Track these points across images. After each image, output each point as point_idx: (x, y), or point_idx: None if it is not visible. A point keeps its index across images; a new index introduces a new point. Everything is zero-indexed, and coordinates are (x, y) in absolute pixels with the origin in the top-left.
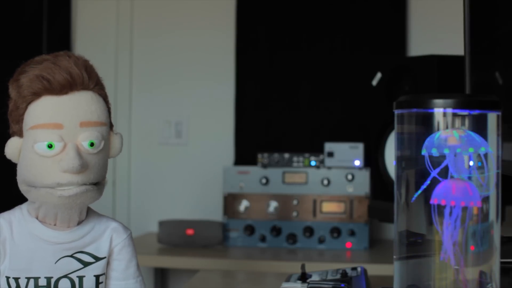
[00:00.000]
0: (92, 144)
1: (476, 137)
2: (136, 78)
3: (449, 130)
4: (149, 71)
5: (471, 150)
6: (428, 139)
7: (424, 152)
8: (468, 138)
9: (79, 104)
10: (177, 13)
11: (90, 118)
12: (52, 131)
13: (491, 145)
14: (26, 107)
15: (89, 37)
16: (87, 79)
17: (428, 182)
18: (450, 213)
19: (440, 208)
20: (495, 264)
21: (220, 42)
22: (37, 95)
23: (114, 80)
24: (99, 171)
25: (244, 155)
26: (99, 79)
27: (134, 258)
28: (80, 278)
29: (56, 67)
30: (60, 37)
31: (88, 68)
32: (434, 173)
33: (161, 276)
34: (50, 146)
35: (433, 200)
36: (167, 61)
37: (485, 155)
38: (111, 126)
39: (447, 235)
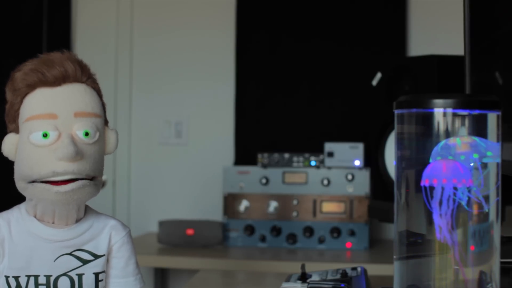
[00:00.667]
0: (87, 134)
1: (482, 143)
2: (136, 78)
3: (453, 138)
4: (149, 71)
5: (475, 156)
6: (435, 148)
7: (431, 161)
8: (473, 144)
9: (73, 95)
10: (177, 13)
11: (84, 108)
12: (47, 121)
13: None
14: (21, 101)
15: (89, 37)
16: (80, 72)
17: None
18: (442, 193)
19: (432, 190)
20: (495, 264)
21: (220, 42)
22: (31, 87)
23: (114, 80)
24: (94, 163)
25: (244, 155)
26: (91, 74)
27: (133, 255)
28: (80, 276)
29: (49, 61)
30: (60, 37)
31: (80, 63)
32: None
33: (161, 276)
34: (45, 136)
35: (424, 181)
36: (167, 61)
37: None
38: (106, 122)
39: (439, 214)
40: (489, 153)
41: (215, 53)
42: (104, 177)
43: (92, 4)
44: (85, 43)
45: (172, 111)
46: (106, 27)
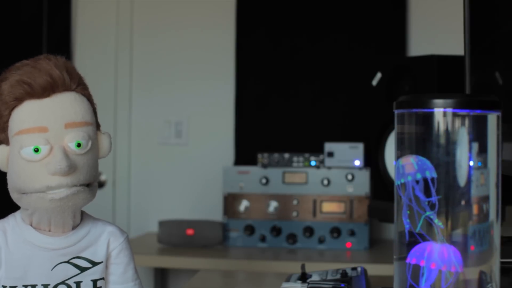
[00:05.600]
0: (79, 145)
1: (424, 162)
2: (136, 78)
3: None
4: (149, 71)
5: (418, 175)
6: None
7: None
8: (419, 164)
9: (63, 106)
10: (177, 13)
11: (75, 118)
12: (38, 135)
13: (491, 145)
14: (9, 114)
15: (89, 37)
16: (68, 80)
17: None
18: (423, 275)
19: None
20: (495, 264)
21: (220, 41)
22: (19, 100)
23: (114, 80)
24: (88, 172)
25: (244, 155)
26: (81, 79)
27: (131, 261)
28: (78, 284)
29: (36, 70)
30: (60, 37)
31: (69, 69)
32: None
33: (161, 276)
34: (36, 150)
35: (411, 259)
36: (167, 61)
37: (432, 179)
38: (98, 126)
39: None
40: (427, 173)
41: (215, 53)
42: (103, 177)
43: (92, 4)
44: (85, 43)
45: (172, 111)
46: (106, 27)
